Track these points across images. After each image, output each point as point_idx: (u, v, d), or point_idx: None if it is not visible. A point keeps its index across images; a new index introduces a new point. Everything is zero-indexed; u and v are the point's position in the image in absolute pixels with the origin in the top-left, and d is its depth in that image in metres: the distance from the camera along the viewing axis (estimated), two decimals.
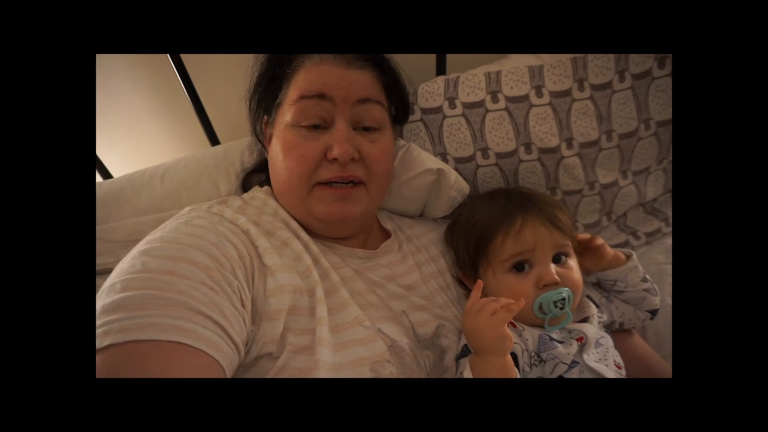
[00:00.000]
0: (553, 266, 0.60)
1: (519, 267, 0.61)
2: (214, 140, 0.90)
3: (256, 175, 0.75)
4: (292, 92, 0.60)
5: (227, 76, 0.90)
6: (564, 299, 0.57)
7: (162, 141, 0.98)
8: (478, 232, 0.64)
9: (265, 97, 0.66)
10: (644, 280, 0.67)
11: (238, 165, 0.78)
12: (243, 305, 0.47)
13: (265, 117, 0.67)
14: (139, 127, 0.95)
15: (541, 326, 0.59)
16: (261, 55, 0.67)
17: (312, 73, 0.59)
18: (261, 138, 0.71)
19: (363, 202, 0.60)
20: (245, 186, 0.75)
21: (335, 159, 0.56)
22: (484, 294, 0.60)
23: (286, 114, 0.60)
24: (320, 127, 0.59)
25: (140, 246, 0.47)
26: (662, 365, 0.68)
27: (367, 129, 0.61)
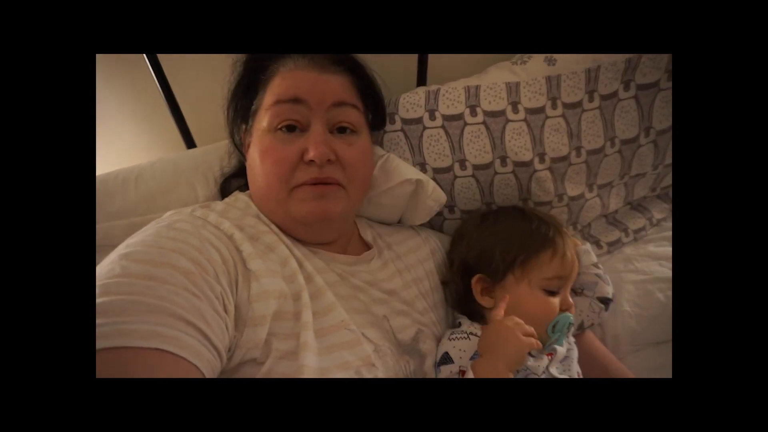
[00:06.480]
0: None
1: (552, 287, 0.65)
2: (190, 143, 0.88)
3: (236, 180, 0.74)
4: (267, 98, 0.60)
5: (204, 76, 0.89)
6: (572, 323, 0.64)
7: (134, 142, 0.95)
8: (520, 243, 0.67)
9: (242, 105, 0.66)
10: (596, 266, 0.74)
11: (217, 169, 0.77)
12: (226, 311, 0.46)
13: (243, 125, 0.66)
14: (110, 126, 0.91)
15: None
16: (237, 63, 0.66)
17: (287, 79, 0.60)
18: (240, 147, 0.70)
19: (342, 202, 0.60)
20: (224, 191, 0.74)
21: (312, 161, 0.57)
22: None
23: (262, 120, 0.60)
24: (296, 130, 0.59)
25: (120, 249, 0.46)
26: (617, 365, 0.73)
27: (342, 131, 0.62)
